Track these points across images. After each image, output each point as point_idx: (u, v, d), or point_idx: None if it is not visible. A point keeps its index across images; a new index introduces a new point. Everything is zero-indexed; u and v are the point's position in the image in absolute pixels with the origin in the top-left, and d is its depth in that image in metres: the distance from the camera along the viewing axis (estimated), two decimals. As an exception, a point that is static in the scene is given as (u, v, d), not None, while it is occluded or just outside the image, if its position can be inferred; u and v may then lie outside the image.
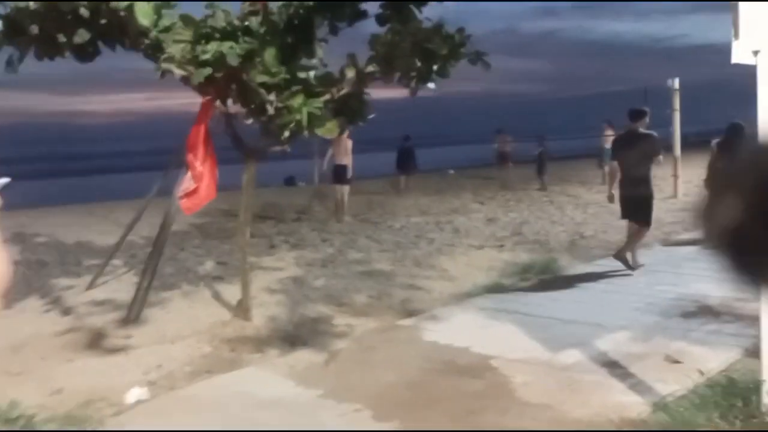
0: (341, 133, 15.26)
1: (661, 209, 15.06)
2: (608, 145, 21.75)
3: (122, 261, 10.23)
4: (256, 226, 13.93)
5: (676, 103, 16.92)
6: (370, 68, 6.99)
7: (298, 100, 6.43)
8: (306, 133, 6.69)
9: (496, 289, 8.67)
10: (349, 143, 15.33)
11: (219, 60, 5.87)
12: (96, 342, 6.50)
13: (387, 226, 13.97)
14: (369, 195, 19.16)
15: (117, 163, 46.32)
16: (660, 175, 21.56)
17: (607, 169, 22.10)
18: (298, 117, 6.37)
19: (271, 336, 6.89)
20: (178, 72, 6.03)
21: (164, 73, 6.11)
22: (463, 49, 6.72)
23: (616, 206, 16.22)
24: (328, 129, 6.84)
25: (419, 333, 7.05)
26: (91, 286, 8.65)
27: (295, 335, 6.95)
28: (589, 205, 16.10)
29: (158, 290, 8.70)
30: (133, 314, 7.08)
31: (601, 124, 21.80)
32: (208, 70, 5.99)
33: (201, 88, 6.37)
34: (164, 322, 7.17)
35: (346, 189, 15.54)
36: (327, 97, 6.99)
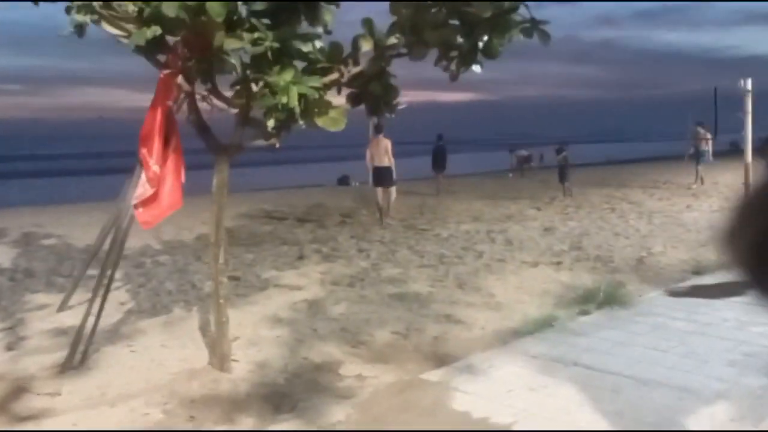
0: (378, 131, 13.48)
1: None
2: (706, 146, 19.57)
3: (123, 272, 8.30)
4: (292, 232, 11.93)
5: (748, 106, 14.13)
6: (392, 40, 4.84)
7: (285, 77, 4.31)
8: (302, 123, 4.58)
9: (551, 324, 6.39)
10: (388, 143, 13.21)
11: (163, 15, 3.79)
12: (8, 400, 4.50)
13: (434, 234, 11.74)
14: (423, 197, 16.95)
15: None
16: (725, 182, 18.82)
17: (701, 168, 19.91)
18: (284, 99, 4.26)
19: (251, 395, 4.79)
20: (111, 31, 3.97)
21: (81, 29, 4.06)
22: (516, 15, 4.50)
23: (684, 217, 13.77)
24: (333, 119, 4.71)
25: (448, 395, 4.83)
26: (62, 307, 6.70)
27: (284, 393, 4.84)
28: (654, 215, 13.53)
29: (139, 316, 6.72)
30: (74, 359, 5.05)
31: (692, 127, 19.63)
32: (154, 30, 3.91)
33: (152, 57, 4.31)
34: (114, 371, 5.10)
35: (390, 192, 13.39)
36: (333, 76, 4.86)
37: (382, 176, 13.25)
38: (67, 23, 4.31)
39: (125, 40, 3.99)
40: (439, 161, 19.65)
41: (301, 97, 4.43)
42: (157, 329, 6.27)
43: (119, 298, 7.26)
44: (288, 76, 4.40)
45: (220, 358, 5.08)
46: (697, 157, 19.25)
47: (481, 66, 5.13)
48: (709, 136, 19.24)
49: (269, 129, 4.57)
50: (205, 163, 5.33)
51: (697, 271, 8.58)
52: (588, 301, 7.15)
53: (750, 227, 0.89)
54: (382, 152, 13.14)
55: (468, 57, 5.05)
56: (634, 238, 11.03)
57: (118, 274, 7.93)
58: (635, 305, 7.03)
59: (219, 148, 4.77)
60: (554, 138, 22.89)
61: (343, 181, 21.58)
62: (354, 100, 5.35)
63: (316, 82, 4.54)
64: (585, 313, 6.80)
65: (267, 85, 4.44)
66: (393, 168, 13.31)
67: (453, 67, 5.20)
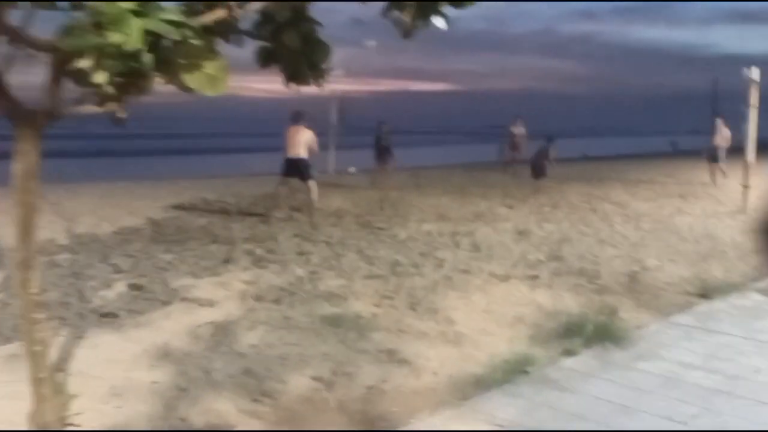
0: (296, 120, 11.63)
1: (728, 227, 10.98)
2: (724, 143, 17.94)
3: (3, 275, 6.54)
4: (229, 227, 10.20)
5: (754, 97, 12.63)
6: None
7: (122, 3, 2.59)
8: (158, 79, 2.85)
9: (525, 369, 4.78)
10: (310, 135, 11.71)
11: None
12: None
13: (390, 234, 10.07)
14: (384, 191, 15.27)
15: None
16: (716, 183, 17.33)
17: (723, 166, 18.34)
18: (118, 38, 2.55)
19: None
20: None
21: None
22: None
23: (677, 222, 12.20)
24: (209, 78, 2.95)
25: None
26: None
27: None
28: (642, 218, 11.99)
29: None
30: None
31: (717, 120, 18.08)
32: None
33: None
34: None
35: (310, 186, 11.70)
36: (217, 13, 3.13)
37: (294, 168, 11.58)
38: None
39: None
40: (381, 152, 17.15)
41: (152, 37, 2.72)
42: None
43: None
44: (130, 4, 2.68)
45: (41, 427, 3.36)
46: (716, 153, 17.71)
47: (447, 21, 3.47)
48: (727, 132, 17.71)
49: (101, 87, 2.84)
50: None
51: (704, 294, 7.03)
52: (573, 333, 5.55)
53: None
54: (299, 143, 11.47)
55: (427, 9, 3.39)
56: (623, 247, 9.46)
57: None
58: (634, 342, 5.44)
59: (21, 114, 3.03)
60: (531, 131, 21.30)
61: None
62: (264, 57, 3.65)
63: (174, 14, 2.81)
64: (569, 353, 5.20)
65: (98, 24, 2.72)
66: (309, 160, 11.73)
67: (406, 17, 3.53)
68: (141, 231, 9.84)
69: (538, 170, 16.54)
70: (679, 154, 33.29)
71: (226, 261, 8.07)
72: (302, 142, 11.52)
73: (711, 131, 18.28)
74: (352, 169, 19.73)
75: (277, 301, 6.42)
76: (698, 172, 19.47)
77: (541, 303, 6.62)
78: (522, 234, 10.23)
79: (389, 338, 5.50)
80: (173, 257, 8.16)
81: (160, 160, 30.28)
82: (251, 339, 5.37)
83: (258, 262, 8.07)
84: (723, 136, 17.67)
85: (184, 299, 6.41)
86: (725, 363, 4.98)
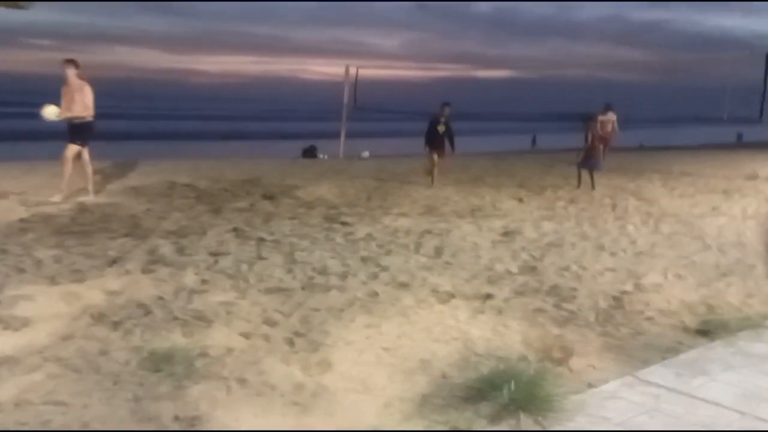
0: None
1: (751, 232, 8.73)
2: None
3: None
4: (166, 216, 8.68)
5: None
6: None
7: None
8: None
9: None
10: (87, 89, 9.65)
11: None
12: None
13: (349, 232, 8.32)
14: (399, 183, 13.49)
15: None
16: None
17: None
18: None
19: None
20: None
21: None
22: None
23: (706, 224, 10.01)
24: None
25: None
26: None
27: None
28: (665, 218, 9.84)
29: None
30: None
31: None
32: None
33: None
34: None
35: (84, 158, 9.87)
36: None
37: (76, 131, 9.71)
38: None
39: None
40: (437, 138, 13.09)
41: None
42: None
43: None
44: None
45: None
46: None
47: None
48: None
49: None
50: None
51: (706, 330, 5.07)
52: (485, 396, 3.74)
53: None
54: (77, 100, 9.58)
55: None
56: (624, 256, 7.46)
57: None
58: (567, 415, 3.58)
59: None
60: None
61: (309, 152, 18.12)
62: None
63: None
64: (493, 418, 3.41)
65: None
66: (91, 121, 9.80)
67: None
68: (55, 218, 8.38)
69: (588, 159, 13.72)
70: (743, 146, 30.31)
71: (113, 262, 6.49)
72: (83, 100, 9.64)
73: None
74: (365, 154, 18.03)
75: (115, 326, 4.78)
76: (755, 166, 16.96)
77: (473, 338, 4.79)
78: (507, 235, 8.32)
79: (214, 394, 3.80)
80: (55, 253, 6.63)
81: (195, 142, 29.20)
82: (10, 390, 3.75)
83: (151, 264, 6.46)
84: None
85: (-2, 318, 4.84)
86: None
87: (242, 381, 3.98)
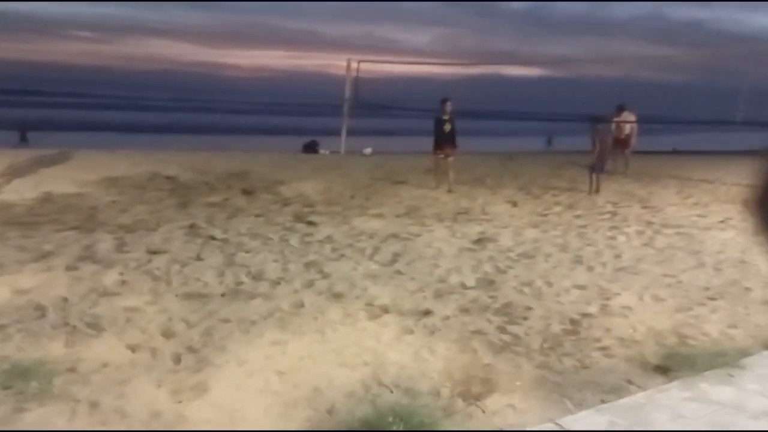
0: None
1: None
2: None
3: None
4: (126, 209, 8.23)
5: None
6: None
7: None
8: None
9: None
10: None
11: None
12: None
13: (309, 233, 7.76)
14: (392, 181, 12.87)
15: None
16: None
17: None
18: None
19: None
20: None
21: None
22: None
23: (708, 237, 9.17)
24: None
25: None
26: None
27: None
28: (665, 229, 9.05)
29: None
30: None
31: None
32: None
33: None
34: None
35: None
36: None
37: None
38: None
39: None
40: (441, 138, 12.19)
41: None
42: None
43: None
44: None
45: None
46: None
47: None
48: None
49: None
50: None
51: (666, 366, 4.40)
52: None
53: None
54: None
55: None
56: (602, 271, 6.75)
57: None
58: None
59: None
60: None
61: (310, 147, 17.57)
62: None
63: None
64: None
65: None
66: None
67: None
68: (12, 208, 8.02)
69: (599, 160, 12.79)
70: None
71: (43, 257, 6.04)
72: None
73: None
74: (367, 150, 17.42)
75: (-6, 330, 4.31)
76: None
77: (387, 363, 4.20)
78: (480, 243, 7.67)
79: (54, 420, 3.29)
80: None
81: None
82: None
83: (80, 260, 6.00)
84: None
85: None
86: None
87: (94, 405, 3.46)
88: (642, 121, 17.51)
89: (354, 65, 17.17)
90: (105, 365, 3.94)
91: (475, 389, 3.93)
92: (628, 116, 16.27)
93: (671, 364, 4.42)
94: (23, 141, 23.07)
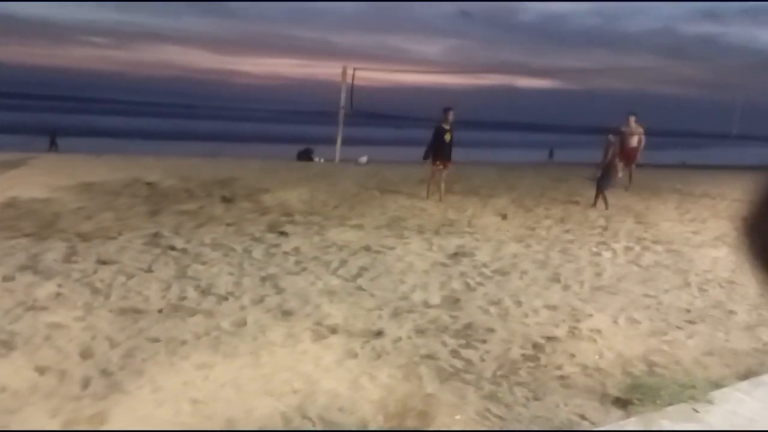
0: None
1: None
2: None
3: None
4: (91, 216, 7.90)
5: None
6: None
7: None
8: None
9: None
10: None
11: None
12: None
13: (279, 243, 7.40)
14: (380, 191, 12.50)
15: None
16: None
17: None
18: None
19: None
20: None
21: None
22: None
23: (700, 255, 8.61)
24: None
25: None
26: None
27: None
28: (657, 245, 8.63)
29: None
30: None
31: None
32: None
33: None
34: None
35: None
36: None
37: None
38: None
39: None
40: (438, 148, 11.63)
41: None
42: None
43: None
44: None
45: None
46: None
47: None
48: None
49: None
50: None
51: (627, 399, 3.99)
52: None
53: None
54: None
55: None
56: (578, 290, 6.33)
57: None
58: None
59: None
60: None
61: (304, 155, 17.23)
62: None
63: None
64: None
65: None
66: None
67: None
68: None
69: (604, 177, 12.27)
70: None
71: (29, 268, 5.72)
72: None
73: None
74: (363, 159, 17.06)
75: None
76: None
77: (319, 392, 3.81)
78: (455, 257, 7.27)
79: None
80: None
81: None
82: None
83: (21, 270, 5.67)
84: None
85: None
86: None
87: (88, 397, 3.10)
88: (652, 134, 17.02)
89: (350, 72, 16.84)
90: (2, 390, 3.58)
91: (409, 422, 3.54)
92: (637, 127, 15.67)
93: (633, 397, 4.01)
94: (53, 146, 23.12)
